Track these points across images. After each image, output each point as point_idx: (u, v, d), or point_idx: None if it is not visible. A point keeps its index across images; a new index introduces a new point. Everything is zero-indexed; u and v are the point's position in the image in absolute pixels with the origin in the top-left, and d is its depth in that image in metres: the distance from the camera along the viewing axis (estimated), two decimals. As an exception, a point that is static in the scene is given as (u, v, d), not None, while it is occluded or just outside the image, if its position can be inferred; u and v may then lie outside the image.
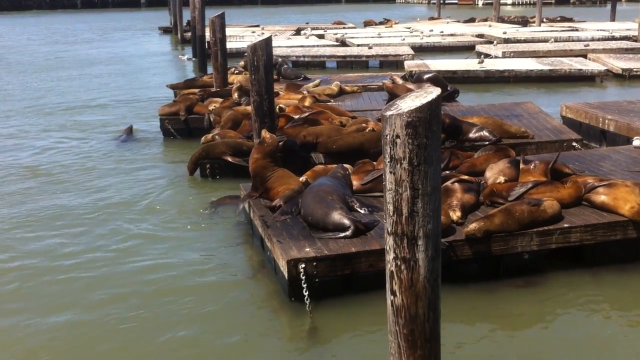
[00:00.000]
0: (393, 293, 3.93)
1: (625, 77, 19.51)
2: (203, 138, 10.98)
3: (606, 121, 11.44)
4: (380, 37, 30.39)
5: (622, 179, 7.74)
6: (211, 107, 12.77)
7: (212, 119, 12.35)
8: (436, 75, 14.38)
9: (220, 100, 13.26)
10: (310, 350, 5.75)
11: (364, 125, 10.58)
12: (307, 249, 6.39)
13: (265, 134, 8.40)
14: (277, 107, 11.55)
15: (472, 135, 10.21)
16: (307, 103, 12.60)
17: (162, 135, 13.13)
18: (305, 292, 6.11)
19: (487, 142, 9.95)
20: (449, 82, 14.49)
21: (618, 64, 20.21)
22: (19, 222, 8.76)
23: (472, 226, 6.55)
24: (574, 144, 10.58)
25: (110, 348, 5.78)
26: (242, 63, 17.98)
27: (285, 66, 17.54)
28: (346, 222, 6.65)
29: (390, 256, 3.89)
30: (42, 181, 10.54)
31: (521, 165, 7.83)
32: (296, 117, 11.14)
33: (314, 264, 6.25)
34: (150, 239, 8.07)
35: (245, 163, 8.89)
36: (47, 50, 31.73)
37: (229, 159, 10.12)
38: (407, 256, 3.82)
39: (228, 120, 11.51)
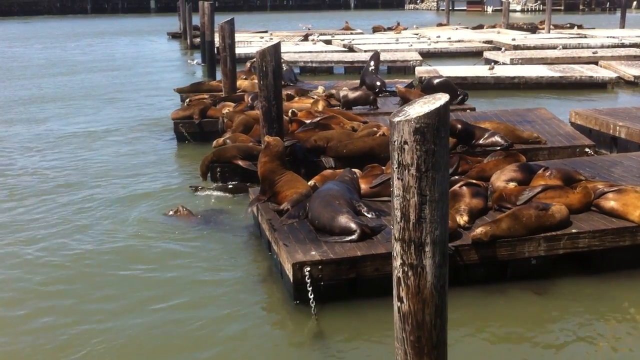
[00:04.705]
0: (400, 299, 3.92)
1: (637, 85, 19.43)
2: (214, 142, 11.03)
3: (617, 128, 11.37)
4: (388, 43, 30.41)
5: (632, 185, 7.69)
6: (225, 111, 12.80)
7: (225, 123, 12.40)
8: (446, 80, 14.36)
9: (233, 104, 13.30)
10: (314, 353, 5.74)
11: (375, 129, 10.58)
12: (313, 253, 6.39)
13: (267, 138, 8.44)
14: (290, 111, 11.57)
15: (484, 140, 10.18)
16: (320, 107, 12.62)
17: (175, 139, 13.18)
18: (311, 295, 6.11)
19: (499, 148, 9.92)
20: (459, 88, 14.47)
21: (630, 71, 20.13)
22: (30, 223, 8.81)
23: (479, 230, 6.53)
24: (587, 150, 10.53)
25: (116, 348, 5.79)
26: (247, 64, 18.03)
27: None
28: (352, 225, 6.65)
29: (397, 262, 3.88)
30: (51, 184, 10.58)
31: (539, 171, 7.81)
32: (307, 121, 11.16)
33: (319, 267, 6.25)
34: (159, 241, 8.10)
35: (255, 168, 8.93)
36: (55, 55, 31.93)
37: (240, 162, 10.14)
38: (414, 262, 3.81)
39: (239, 124, 11.54)
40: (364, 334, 5.98)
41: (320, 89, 14.75)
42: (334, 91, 14.15)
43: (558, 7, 61.54)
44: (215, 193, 9.78)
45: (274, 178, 8.07)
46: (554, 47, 27.09)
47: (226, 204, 9.40)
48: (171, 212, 8.91)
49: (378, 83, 15.00)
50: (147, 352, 5.79)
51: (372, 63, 15.65)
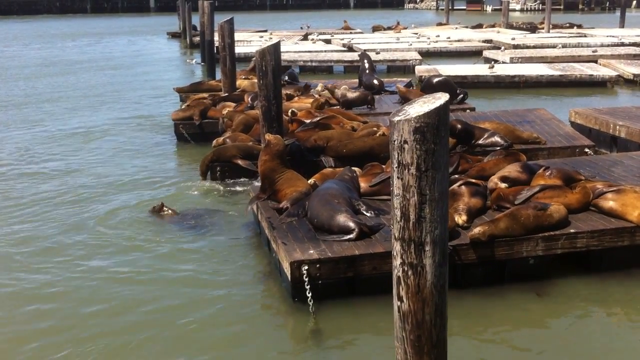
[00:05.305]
0: (400, 299, 3.93)
1: (637, 83, 19.45)
2: (214, 141, 11.04)
3: (617, 127, 11.36)
4: (388, 42, 30.41)
5: (632, 184, 7.69)
6: (225, 111, 12.81)
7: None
8: (446, 79, 14.36)
9: (233, 104, 13.30)
10: (312, 352, 5.76)
11: (374, 129, 10.59)
12: (311, 251, 6.40)
13: (268, 136, 8.46)
14: (290, 111, 11.59)
15: (483, 140, 10.18)
16: (320, 101, 12.62)
17: (175, 140, 13.18)
18: (309, 294, 6.12)
19: (499, 148, 9.93)
20: (459, 87, 14.48)
21: (629, 69, 20.13)
22: (22, 224, 8.82)
23: (477, 230, 6.53)
24: (587, 150, 10.53)
25: (117, 346, 5.80)
26: (252, 64, 18.03)
27: None
28: (351, 224, 6.67)
29: (397, 262, 3.89)
30: (48, 183, 10.58)
31: (539, 171, 7.81)
32: (307, 121, 11.17)
33: (317, 266, 6.26)
34: (159, 240, 8.11)
35: (254, 167, 8.94)
36: (54, 54, 31.91)
37: (240, 162, 10.14)
38: (414, 262, 3.82)
39: (239, 123, 11.55)
40: (362, 332, 6.00)
41: (320, 86, 14.77)
42: (334, 90, 14.14)
43: (557, 7, 61.51)
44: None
45: (274, 176, 8.09)
46: (554, 47, 27.10)
47: (227, 202, 9.40)
48: (156, 209, 8.93)
49: (375, 82, 15.05)
50: (145, 352, 5.80)
51: (365, 63, 15.69)
